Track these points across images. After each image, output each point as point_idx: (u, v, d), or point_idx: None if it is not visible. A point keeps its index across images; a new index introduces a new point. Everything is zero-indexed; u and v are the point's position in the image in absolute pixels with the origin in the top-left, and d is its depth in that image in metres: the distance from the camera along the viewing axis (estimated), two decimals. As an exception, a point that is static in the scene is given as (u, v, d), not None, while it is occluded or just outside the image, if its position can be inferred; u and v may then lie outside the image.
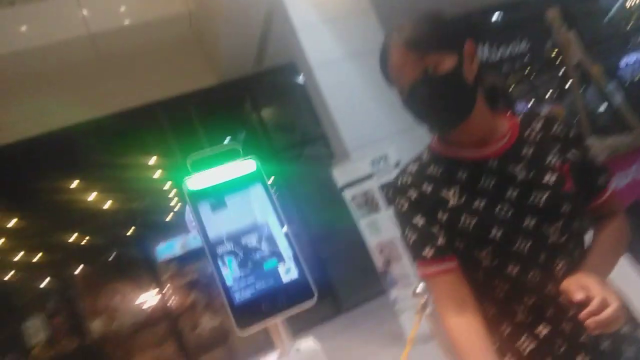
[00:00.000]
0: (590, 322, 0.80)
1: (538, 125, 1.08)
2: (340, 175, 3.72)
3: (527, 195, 1.01)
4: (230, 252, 1.43)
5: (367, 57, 3.88)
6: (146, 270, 7.52)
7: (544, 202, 1.00)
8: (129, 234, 9.76)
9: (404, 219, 1.07)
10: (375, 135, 4.08)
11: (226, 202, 1.50)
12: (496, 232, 0.99)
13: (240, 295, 1.38)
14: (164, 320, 6.54)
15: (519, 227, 0.99)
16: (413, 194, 1.06)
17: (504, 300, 1.03)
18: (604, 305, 0.80)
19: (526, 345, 1.01)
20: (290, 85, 6.76)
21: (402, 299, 3.46)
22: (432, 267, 1.02)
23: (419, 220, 1.05)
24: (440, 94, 0.98)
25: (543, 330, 1.00)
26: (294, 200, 6.37)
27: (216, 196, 1.49)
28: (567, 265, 0.98)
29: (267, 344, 6.77)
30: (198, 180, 1.50)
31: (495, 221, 1.00)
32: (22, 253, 7.71)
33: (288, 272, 1.37)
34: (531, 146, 1.05)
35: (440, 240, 1.03)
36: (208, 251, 1.40)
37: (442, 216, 1.03)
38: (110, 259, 9.51)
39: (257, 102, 6.91)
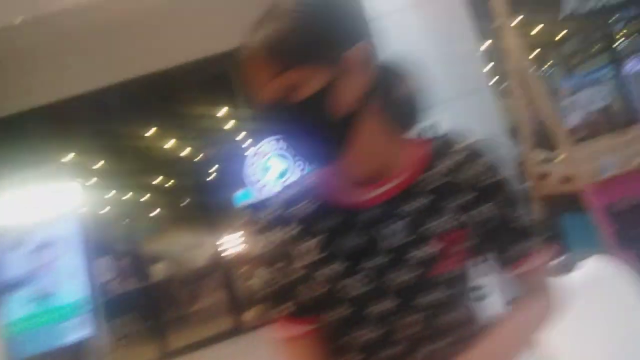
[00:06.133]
0: None
1: (446, 165, 0.82)
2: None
3: (391, 270, 0.80)
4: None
5: (430, 7, 3.32)
6: (221, 217, 7.67)
7: (402, 284, 0.80)
8: (208, 179, 10.09)
9: (266, 261, 0.90)
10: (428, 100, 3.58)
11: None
12: (344, 311, 0.82)
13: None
14: (221, 269, 6.69)
15: (371, 309, 0.80)
16: (278, 234, 0.87)
17: None
18: None
19: None
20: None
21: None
22: (288, 328, 0.87)
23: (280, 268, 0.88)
24: (300, 124, 0.76)
25: None
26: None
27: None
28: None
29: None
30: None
31: (346, 296, 0.81)
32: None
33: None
34: (423, 197, 0.81)
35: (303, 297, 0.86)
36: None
37: (298, 271, 0.85)
38: (184, 204, 9.98)
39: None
